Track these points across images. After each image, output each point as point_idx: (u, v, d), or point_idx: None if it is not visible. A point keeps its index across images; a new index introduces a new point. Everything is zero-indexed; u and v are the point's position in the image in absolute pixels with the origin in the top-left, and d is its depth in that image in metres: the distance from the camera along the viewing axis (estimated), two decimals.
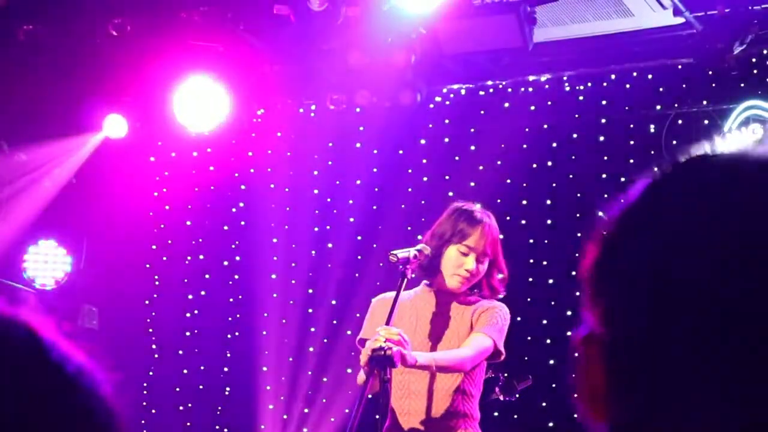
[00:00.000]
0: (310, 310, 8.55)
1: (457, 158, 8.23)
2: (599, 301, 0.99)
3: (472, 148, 8.18)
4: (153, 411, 8.74)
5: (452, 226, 4.78)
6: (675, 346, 0.92)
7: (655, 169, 1.01)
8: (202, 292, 8.89)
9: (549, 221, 7.86)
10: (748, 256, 0.91)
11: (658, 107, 7.65)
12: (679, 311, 0.92)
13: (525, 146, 8.00)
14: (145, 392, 8.78)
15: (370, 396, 4.47)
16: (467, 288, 4.82)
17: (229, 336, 8.77)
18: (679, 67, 7.52)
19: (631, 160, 7.56)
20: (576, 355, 1.01)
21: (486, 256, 4.77)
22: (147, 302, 8.98)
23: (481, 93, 8.23)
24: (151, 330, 8.99)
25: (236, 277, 8.79)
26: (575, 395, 1.02)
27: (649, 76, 7.66)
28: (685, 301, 0.92)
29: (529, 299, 7.64)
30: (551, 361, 7.51)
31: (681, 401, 0.92)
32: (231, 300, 8.79)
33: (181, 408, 8.80)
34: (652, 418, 0.94)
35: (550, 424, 7.54)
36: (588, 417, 1.00)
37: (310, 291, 8.59)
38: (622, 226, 0.99)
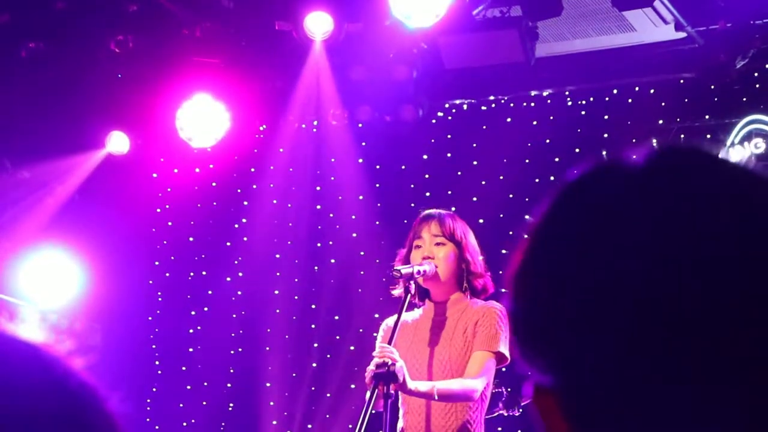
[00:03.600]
0: (313, 326, 8.54)
1: (459, 173, 8.23)
2: (543, 352, 0.93)
3: (475, 163, 8.18)
4: (156, 427, 8.71)
5: (410, 234, 4.90)
6: (642, 384, 0.87)
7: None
8: (205, 308, 8.87)
9: None
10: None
11: (661, 122, 7.65)
12: (645, 346, 0.87)
13: (527, 161, 8.00)
14: (148, 408, 8.76)
15: (374, 412, 4.46)
16: (450, 281, 4.81)
17: (232, 352, 8.75)
18: (682, 81, 7.52)
19: None
20: (533, 411, 0.94)
21: (444, 238, 4.79)
22: (150, 318, 8.97)
23: (483, 108, 8.23)
24: (154, 346, 8.97)
25: (239, 292, 8.78)
26: None
27: (652, 91, 7.66)
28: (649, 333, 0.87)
29: None
30: None
31: None
32: (234, 316, 8.78)
33: (184, 424, 8.78)
34: None
35: None
36: None
37: (313, 306, 8.58)
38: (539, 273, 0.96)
